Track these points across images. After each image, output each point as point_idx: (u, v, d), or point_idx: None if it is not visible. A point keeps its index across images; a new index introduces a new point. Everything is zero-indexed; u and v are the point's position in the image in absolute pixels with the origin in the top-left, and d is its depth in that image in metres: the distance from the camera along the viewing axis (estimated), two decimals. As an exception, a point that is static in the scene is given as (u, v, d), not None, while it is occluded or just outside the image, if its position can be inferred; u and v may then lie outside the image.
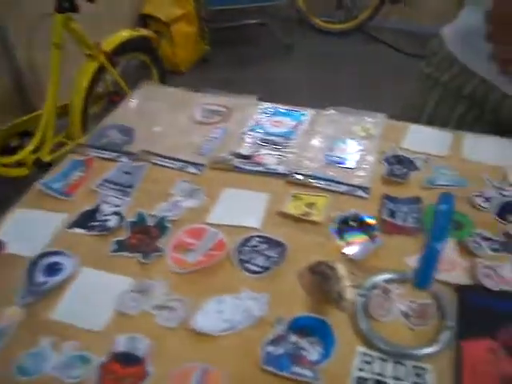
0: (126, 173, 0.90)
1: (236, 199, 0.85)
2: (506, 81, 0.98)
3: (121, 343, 0.62)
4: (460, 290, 0.70)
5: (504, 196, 0.85)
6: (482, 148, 0.97)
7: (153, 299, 0.68)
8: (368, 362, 0.61)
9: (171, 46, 3.41)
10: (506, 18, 0.90)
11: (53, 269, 0.73)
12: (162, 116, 1.07)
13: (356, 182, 0.88)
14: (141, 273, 0.72)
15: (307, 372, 0.59)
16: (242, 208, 0.83)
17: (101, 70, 2.29)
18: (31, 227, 0.81)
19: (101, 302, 0.68)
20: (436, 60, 1.14)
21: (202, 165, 0.92)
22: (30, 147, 2.15)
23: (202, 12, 3.65)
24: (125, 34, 2.40)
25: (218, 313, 0.65)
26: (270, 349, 0.61)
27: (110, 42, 2.32)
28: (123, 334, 0.64)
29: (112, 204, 0.84)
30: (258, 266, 0.73)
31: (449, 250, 0.75)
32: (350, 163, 0.93)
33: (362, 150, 0.96)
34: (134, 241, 0.77)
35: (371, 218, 0.80)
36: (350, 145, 0.97)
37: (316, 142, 0.98)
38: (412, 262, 0.71)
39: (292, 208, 0.82)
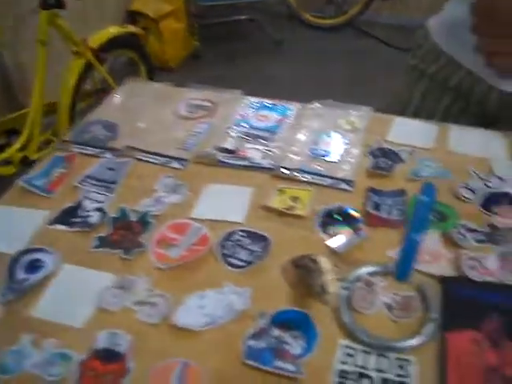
0: (109, 169, 0.89)
1: (220, 194, 0.84)
2: (492, 73, 0.98)
3: (101, 340, 0.62)
4: (444, 281, 0.69)
5: (489, 187, 0.85)
6: (468, 140, 0.97)
7: (134, 295, 0.67)
8: (351, 355, 0.60)
9: (160, 43, 3.40)
10: (490, 11, 0.90)
11: (34, 266, 0.72)
12: (147, 111, 1.06)
13: (340, 175, 0.87)
14: (123, 269, 0.72)
15: (289, 366, 0.58)
16: (226, 202, 0.82)
17: (88, 67, 2.28)
18: (12, 224, 0.80)
19: (82, 298, 0.67)
20: (422, 52, 1.13)
21: (186, 160, 0.91)
22: (17, 145, 2.14)
23: (191, 8, 3.64)
24: (112, 30, 2.38)
25: (200, 308, 0.65)
26: (252, 343, 0.61)
27: (97, 38, 2.31)
28: (104, 330, 0.63)
29: (94, 200, 0.83)
30: (241, 260, 0.72)
31: (433, 241, 0.75)
32: (335, 156, 0.92)
33: (347, 144, 0.95)
34: (116, 237, 0.76)
35: (355, 210, 0.80)
36: (335, 138, 0.97)
37: (301, 135, 0.98)
38: (394, 254, 0.70)
39: (276, 202, 0.81)
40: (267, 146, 0.94)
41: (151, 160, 0.92)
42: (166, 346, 0.62)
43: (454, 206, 0.81)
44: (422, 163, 0.90)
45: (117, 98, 1.12)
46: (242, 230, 0.76)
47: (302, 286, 0.68)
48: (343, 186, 0.85)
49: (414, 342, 0.62)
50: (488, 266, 0.71)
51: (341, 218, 0.79)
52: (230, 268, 0.71)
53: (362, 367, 0.59)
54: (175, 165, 0.90)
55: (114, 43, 2.40)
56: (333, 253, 0.73)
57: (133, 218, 0.79)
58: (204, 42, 3.77)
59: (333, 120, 1.02)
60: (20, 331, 0.64)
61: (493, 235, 0.76)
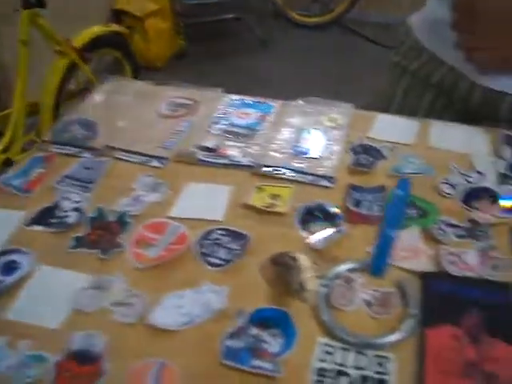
0: (88, 168, 0.88)
1: (200, 192, 0.84)
2: (474, 69, 0.98)
3: (76, 341, 0.61)
4: (424, 277, 0.69)
5: (470, 183, 0.85)
6: (449, 136, 0.97)
7: (111, 296, 0.66)
8: (329, 353, 0.60)
9: (145, 42, 3.38)
10: (470, 7, 0.90)
11: (10, 267, 0.71)
12: (127, 110, 1.05)
13: (322, 172, 0.87)
14: (100, 269, 0.71)
15: (267, 365, 0.58)
16: (206, 201, 0.82)
17: (72, 67, 2.26)
18: (-12, 225, 0.79)
19: (58, 299, 0.66)
20: (404, 48, 1.13)
21: (166, 159, 0.91)
22: (0, 147, 2.11)
23: (176, 6, 3.63)
24: (96, 29, 2.37)
25: (178, 307, 0.64)
26: (230, 343, 0.60)
27: (81, 38, 2.29)
28: (80, 331, 0.62)
29: (72, 200, 0.82)
30: (219, 258, 0.71)
31: (413, 237, 0.74)
32: (317, 153, 0.91)
33: (328, 141, 0.95)
34: (93, 237, 0.75)
35: (336, 207, 0.79)
36: (316, 135, 0.96)
37: (283, 133, 0.97)
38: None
39: (256, 200, 0.81)
40: (248, 144, 0.94)
41: (131, 159, 0.91)
42: (143, 346, 0.61)
43: (435, 201, 0.81)
44: (404, 159, 0.90)
45: (97, 96, 1.11)
46: (220, 229, 0.76)
47: (281, 284, 0.67)
48: (324, 182, 0.85)
49: (393, 338, 0.61)
50: (468, 262, 0.71)
51: (321, 215, 0.78)
52: (208, 267, 0.71)
53: (341, 365, 0.59)
54: (155, 163, 0.90)
55: (98, 42, 2.38)
56: (312, 250, 0.72)
57: (111, 217, 0.78)
58: (190, 41, 3.75)
59: (315, 117, 1.02)
60: (-5, 333, 0.63)
61: (473, 230, 0.76)
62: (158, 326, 0.62)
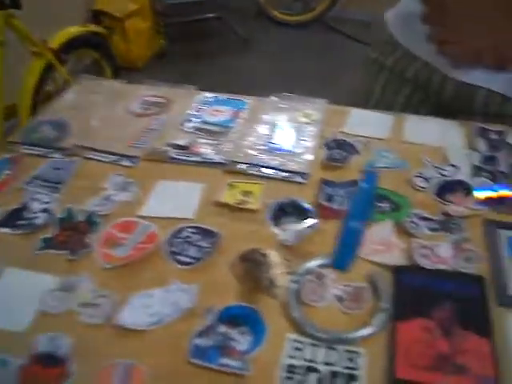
0: (57, 169, 0.87)
1: (170, 191, 0.83)
2: (447, 63, 0.98)
3: (41, 344, 0.60)
4: (396, 271, 0.69)
5: (444, 176, 0.85)
6: (423, 130, 0.96)
7: (79, 297, 0.65)
8: (299, 349, 0.59)
9: (125, 42, 3.34)
10: (440, 0, 0.90)
11: (-25, 271, 0.69)
12: (99, 109, 1.03)
13: (295, 167, 0.86)
14: (69, 270, 0.69)
15: (235, 363, 0.57)
16: (177, 199, 0.81)
17: (49, 68, 2.23)
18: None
19: (24, 302, 0.65)
20: (380, 44, 1.13)
21: (137, 157, 0.89)
22: (-23, 150, 2.08)
23: (157, 6, 3.60)
24: (73, 30, 2.34)
25: (146, 307, 0.63)
26: (198, 341, 0.59)
27: (57, 38, 2.26)
28: (45, 334, 0.61)
29: (41, 201, 0.80)
30: (189, 257, 0.70)
31: (386, 231, 0.74)
32: (290, 149, 0.91)
33: (303, 136, 0.94)
34: (61, 238, 0.74)
35: (307, 203, 0.79)
36: (290, 131, 0.96)
37: (256, 129, 0.96)
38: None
39: (228, 197, 0.80)
40: (220, 141, 0.93)
41: (101, 158, 0.90)
42: (110, 347, 0.60)
43: (408, 195, 0.81)
44: (378, 154, 0.89)
45: (69, 96, 1.10)
46: (191, 227, 0.75)
47: (251, 281, 0.66)
48: (297, 178, 0.84)
49: (364, 332, 0.61)
50: (441, 254, 0.71)
51: (293, 211, 0.78)
52: (178, 265, 0.70)
53: (311, 361, 0.58)
54: (126, 163, 0.88)
55: (75, 43, 2.36)
56: (284, 246, 0.72)
57: (80, 218, 0.77)
58: (171, 41, 3.73)
59: (289, 113, 1.01)
60: (-42, 339, 0.61)
61: (446, 223, 0.76)
62: (126, 326, 0.61)
